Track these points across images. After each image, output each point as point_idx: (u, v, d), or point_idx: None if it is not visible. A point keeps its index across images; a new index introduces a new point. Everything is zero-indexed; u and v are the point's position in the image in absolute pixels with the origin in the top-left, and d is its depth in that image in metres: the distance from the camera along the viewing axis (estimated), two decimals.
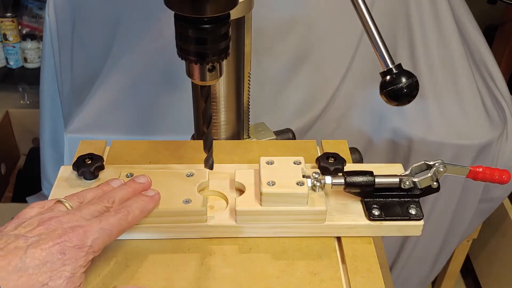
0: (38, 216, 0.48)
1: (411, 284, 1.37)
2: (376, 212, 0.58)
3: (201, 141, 0.57)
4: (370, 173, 0.58)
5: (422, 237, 1.21)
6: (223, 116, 0.73)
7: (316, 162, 0.64)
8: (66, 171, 0.63)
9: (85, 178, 0.62)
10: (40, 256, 0.44)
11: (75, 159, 0.63)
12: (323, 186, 0.57)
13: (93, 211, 0.50)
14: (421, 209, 0.59)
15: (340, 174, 0.59)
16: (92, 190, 0.54)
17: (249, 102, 0.77)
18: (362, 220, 0.58)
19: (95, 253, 0.48)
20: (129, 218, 0.51)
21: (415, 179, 0.58)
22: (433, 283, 1.58)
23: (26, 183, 1.63)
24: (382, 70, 0.57)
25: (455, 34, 1.08)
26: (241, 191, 0.60)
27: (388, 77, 0.57)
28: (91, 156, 0.63)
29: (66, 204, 0.51)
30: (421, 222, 0.58)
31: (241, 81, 0.72)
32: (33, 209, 0.50)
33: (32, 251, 0.44)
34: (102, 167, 0.63)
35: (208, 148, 0.57)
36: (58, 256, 0.45)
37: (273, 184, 0.56)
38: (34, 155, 1.67)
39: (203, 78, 0.52)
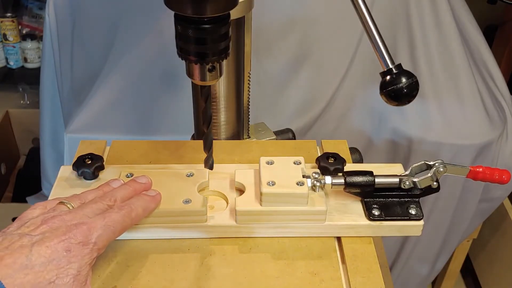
0: (41, 216, 0.48)
1: (411, 284, 1.37)
2: (376, 212, 0.58)
3: (201, 141, 0.57)
4: (370, 173, 0.58)
5: (422, 237, 1.21)
6: (223, 116, 0.73)
7: (316, 162, 0.64)
8: (66, 171, 0.63)
9: (85, 178, 0.62)
10: (45, 253, 0.44)
11: (75, 159, 0.63)
12: (323, 186, 0.57)
13: (95, 209, 0.50)
14: (421, 209, 0.59)
15: (340, 174, 0.59)
16: (92, 191, 0.54)
17: (249, 102, 0.77)
18: (362, 220, 0.58)
19: (100, 250, 0.48)
20: (132, 215, 0.51)
21: (415, 179, 0.58)
22: (433, 283, 1.58)
23: (26, 183, 1.63)
24: (382, 70, 0.57)
25: (455, 34, 1.08)
26: (241, 191, 0.60)
27: (388, 77, 0.57)
28: (91, 156, 0.63)
29: (68, 205, 0.51)
30: (421, 222, 0.58)
31: (241, 81, 0.72)
32: (35, 210, 0.50)
33: (38, 248, 0.44)
34: (102, 167, 0.63)
35: (208, 148, 0.57)
36: (63, 253, 0.45)
37: (273, 184, 0.56)
38: (34, 155, 1.68)
39: (203, 78, 0.52)
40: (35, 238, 0.45)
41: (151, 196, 0.55)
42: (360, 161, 0.73)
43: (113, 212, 0.50)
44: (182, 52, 0.51)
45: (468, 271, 1.67)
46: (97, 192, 0.54)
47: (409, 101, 0.57)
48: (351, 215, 0.58)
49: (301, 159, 0.61)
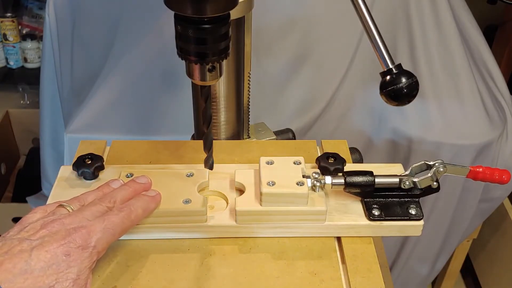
0: (41, 220, 0.48)
1: (411, 284, 1.37)
2: (376, 212, 0.58)
3: (201, 141, 0.57)
4: (370, 173, 0.58)
5: (422, 237, 1.21)
6: (223, 116, 0.73)
7: (316, 162, 0.64)
8: (66, 171, 0.63)
9: (85, 178, 0.62)
10: (45, 258, 0.44)
11: (75, 159, 0.63)
12: (323, 186, 0.57)
13: (95, 211, 0.50)
14: (421, 209, 0.59)
15: (340, 174, 0.59)
16: (92, 192, 0.54)
17: (249, 102, 0.77)
18: (362, 220, 0.58)
19: (99, 253, 0.48)
20: (132, 216, 0.51)
21: (415, 179, 0.58)
22: (433, 283, 1.58)
23: (26, 183, 1.63)
24: (382, 70, 0.57)
25: (455, 34, 1.08)
26: (241, 191, 0.60)
27: (388, 77, 0.57)
28: (91, 156, 0.63)
29: (68, 208, 0.51)
30: (421, 222, 0.58)
31: (241, 81, 0.72)
32: (35, 214, 0.50)
33: (37, 253, 0.44)
34: (102, 167, 0.63)
35: (208, 148, 0.57)
36: (63, 257, 0.45)
37: (273, 184, 0.56)
38: (34, 155, 1.67)
39: (203, 78, 0.52)
40: (35, 243, 0.45)
41: (151, 197, 0.55)
42: (360, 161, 0.73)
43: (112, 214, 0.50)
44: (182, 52, 0.51)
45: (468, 271, 1.67)
46: (96, 194, 0.54)
47: (409, 101, 0.57)
48: (351, 215, 0.58)
49: (301, 159, 0.61)
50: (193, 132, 0.79)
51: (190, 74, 0.53)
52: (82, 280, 0.45)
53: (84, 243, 0.46)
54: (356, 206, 0.59)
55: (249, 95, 0.77)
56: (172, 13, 0.48)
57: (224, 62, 0.54)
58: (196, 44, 0.49)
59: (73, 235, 0.46)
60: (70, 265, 0.45)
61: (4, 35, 1.74)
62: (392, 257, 1.30)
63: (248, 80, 0.75)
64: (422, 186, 0.58)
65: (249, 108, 0.78)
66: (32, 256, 0.43)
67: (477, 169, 0.58)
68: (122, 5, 1.03)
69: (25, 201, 1.39)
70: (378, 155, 1.14)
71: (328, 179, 0.57)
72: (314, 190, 0.57)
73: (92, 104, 1.07)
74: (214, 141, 0.58)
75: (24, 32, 1.77)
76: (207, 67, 0.51)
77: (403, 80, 0.56)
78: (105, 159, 0.67)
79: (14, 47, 1.76)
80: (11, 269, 0.42)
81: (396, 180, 0.58)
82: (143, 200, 0.54)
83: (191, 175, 0.60)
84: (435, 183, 0.58)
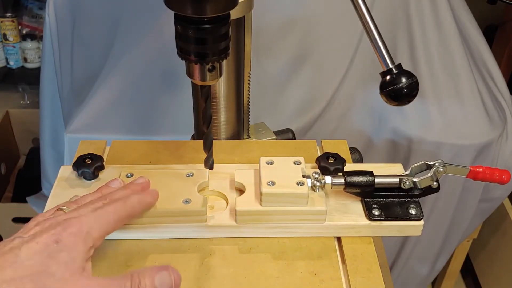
0: (35, 221, 0.48)
1: (411, 284, 1.37)
2: (376, 212, 0.58)
3: (201, 141, 0.57)
4: (370, 173, 0.58)
5: (422, 237, 1.21)
6: (223, 116, 0.73)
7: (316, 162, 0.64)
8: (66, 171, 0.63)
9: (85, 178, 0.62)
10: (35, 248, 0.44)
11: (75, 159, 0.63)
12: (323, 186, 0.57)
13: (90, 208, 0.50)
14: (421, 209, 0.59)
15: (340, 174, 0.59)
16: (90, 194, 0.54)
17: (249, 102, 0.77)
18: (362, 220, 0.58)
19: (95, 240, 0.47)
20: (127, 204, 0.51)
21: (415, 179, 0.58)
22: (433, 283, 1.58)
23: (26, 183, 1.63)
24: (382, 70, 0.57)
25: (455, 34, 1.08)
26: (241, 191, 0.60)
27: (388, 77, 0.57)
28: (91, 156, 0.63)
29: (65, 210, 0.51)
30: (421, 222, 0.58)
31: (241, 81, 0.72)
32: (35, 221, 0.50)
33: (27, 245, 0.44)
34: (102, 167, 0.63)
35: (208, 148, 0.57)
36: (54, 245, 0.44)
37: (273, 184, 0.56)
38: (34, 155, 1.67)
39: (203, 78, 0.52)
40: (26, 239, 0.45)
41: (146, 191, 0.55)
42: (360, 161, 0.73)
43: (106, 204, 0.50)
44: (182, 52, 0.51)
45: (468, 271, 1.68)
46: (95, 195, 0.54)
47: (409, 101, 0.57)
48: (351, 215, 0.58)
49: (301, 159, 0.61)
50: (193, 132, 0.79)
51: (190, 74, 0.53)
52: (76, 264, 0.45)
53: (75, 230, 0.46)
54: (356, 206, 0.59)
55: (249, 95, 0.77)
56: (172, 13, 0.49)
57: (224, 62, 0.54)
58: (196, 44, 0.49)
59: (63, 224, 0.46)
60: (62, 250, 0.44)
61: (4, 35, 1.74)
62: (392, 257, 1.30)
63: (248, 80, 0.75)
64: (422, 186, 0.58)
65: (249, 108, 0.78)
66: (22, 249, 0.44)
67: (477, 169, 0.58)
68: (122, 5, 1.03)
69: (25, 201, 1.39)
70: (378, 155, 1.14)
71: (328, 179, 0.57)
72: (314, 190, 0.57)
73: (92, 104, 1.07)
74: (214, 141, 0.58)
75: (24, 32, 1.77)
76: (207, 67, 0.51)
77: (403, 80, 0.56)
78: (105, 159, 0.67)
79: (14, 47, 1.76)
80: (2, 263, 0.42)
81: (396, 180, 0.58)
82: (139, 194, 0.54)
83: (191, 175, 0.60)
84: (435, 183, 0.58)
